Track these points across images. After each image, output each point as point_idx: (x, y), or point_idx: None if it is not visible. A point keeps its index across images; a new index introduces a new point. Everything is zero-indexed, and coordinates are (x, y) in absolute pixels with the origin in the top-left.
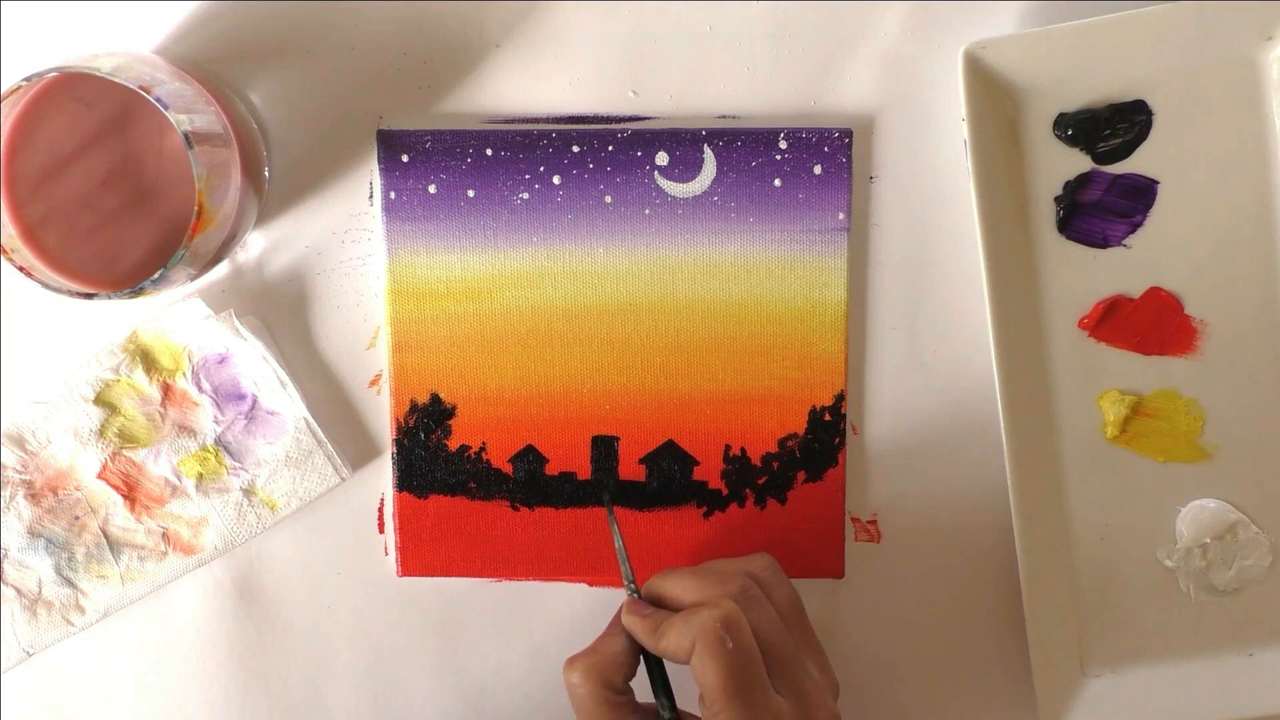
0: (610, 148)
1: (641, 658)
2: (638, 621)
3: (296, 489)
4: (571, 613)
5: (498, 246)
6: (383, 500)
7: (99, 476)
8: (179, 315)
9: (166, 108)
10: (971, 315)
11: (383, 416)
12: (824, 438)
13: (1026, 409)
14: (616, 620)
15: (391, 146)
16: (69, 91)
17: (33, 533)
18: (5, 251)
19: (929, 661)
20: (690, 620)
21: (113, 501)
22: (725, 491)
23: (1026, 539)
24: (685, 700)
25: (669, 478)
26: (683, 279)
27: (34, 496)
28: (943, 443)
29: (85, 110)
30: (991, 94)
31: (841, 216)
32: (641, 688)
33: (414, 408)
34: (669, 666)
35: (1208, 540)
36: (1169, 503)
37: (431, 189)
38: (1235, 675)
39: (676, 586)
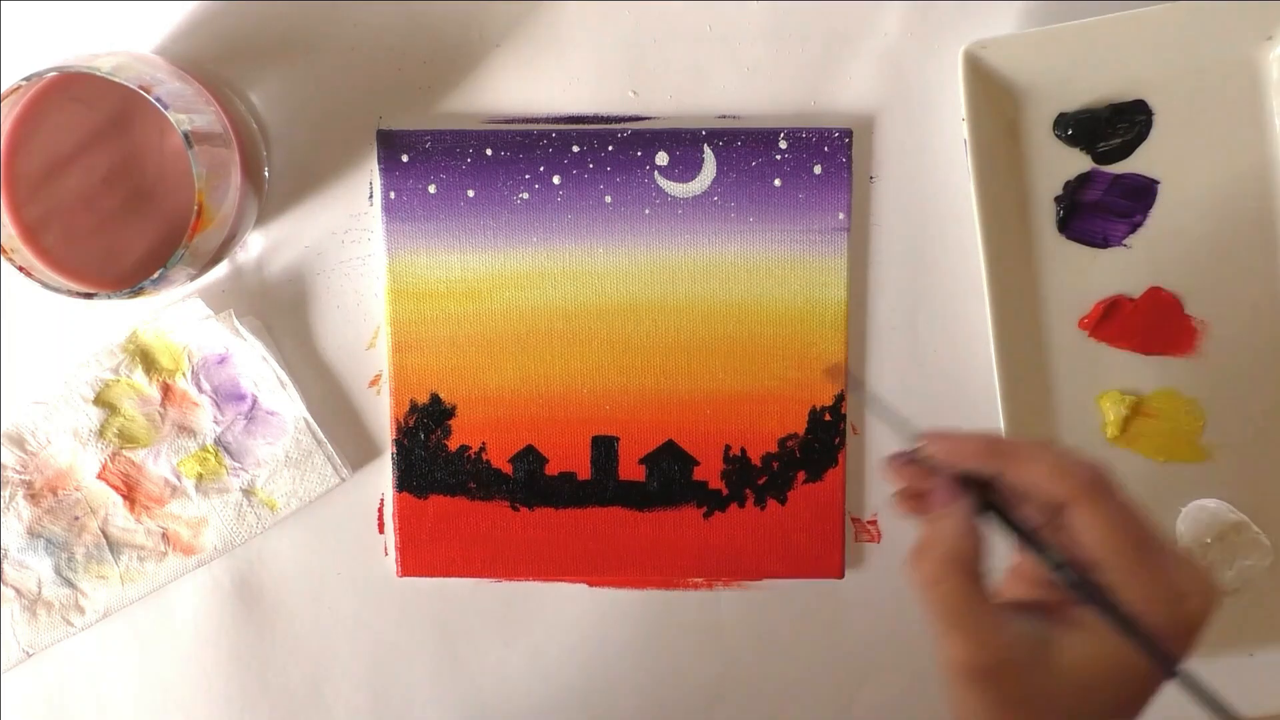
0: (610, 148)
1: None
2: (959, 446)
3: (296, 489)
4: (571, 613)
5: (498, 246)
6: (383, 500)
7: (99, 477)
8: (179, 315)
9: (166, 108)
10: (971, 315)
11: (383, 416)
12: (824, 438)
13: (1026, 409)
14: (937, 499)
15: (391, 146)
16: (69, 91)
17: (32, 533)
18: (5, 251)
19: (929, 661)
20: (1061, 463)
21: (112, 502)
22: (725, 491)
23: None
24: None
25: (669, 478)
26: (683, 279)
27: (34, 497)
28: None
29: (85, 110)
30: (991, 94)
31: (841, 216)
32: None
33: (414, 408)
34: None
35: (1208, 540)
36: (1169, 503)
37: (431, 189)
38: (1235, 675)
39: (1025, 453)
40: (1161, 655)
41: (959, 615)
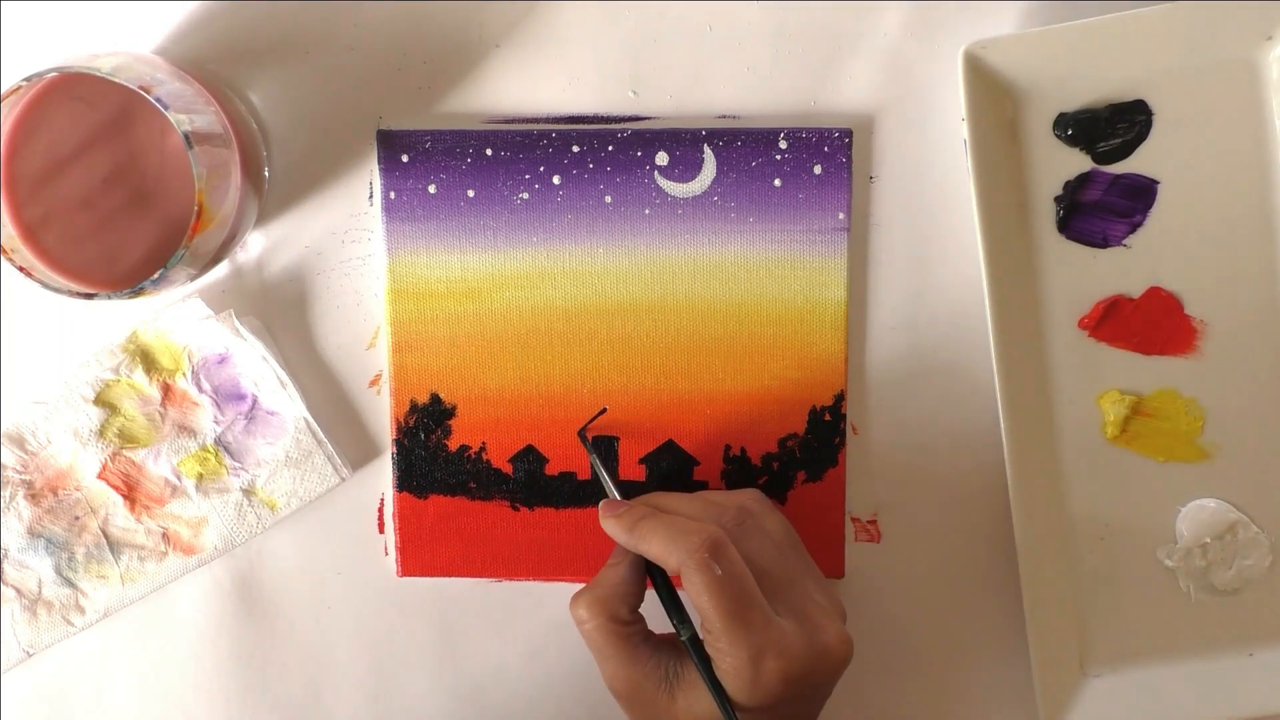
0: (610, 148)
1: (650, 582)
2: (613, 522)
3: (296, 489)
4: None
5: (498, 246)
6: (383, 500)
7: (99, 476)
8: (179, 315)
9: (166, 108)
10: (971, 315)
11: (383, 416)
12: (824, 438)
13: (1026, 409)
14: (617, 550)
15: (391, 146)
16: (69, 91)
17: (33, 533)
18: (5, 251)
19: (929, 661)
20: (675, 542)
21: (113, 501)
22: None
23: (1026, 539)
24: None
25: (669, 478)
26: (683, 279)
27: (34, 496)
28: (943, 443)
29: (85, 110)
30: (991, 94)
31: (841, 216)
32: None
33: (414, 408)
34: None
35: (1208, 540)
36: (1169, 503)
37: (431, 189)
38: (1235, 675)
39: (672, 503)
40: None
41: (599, 650)
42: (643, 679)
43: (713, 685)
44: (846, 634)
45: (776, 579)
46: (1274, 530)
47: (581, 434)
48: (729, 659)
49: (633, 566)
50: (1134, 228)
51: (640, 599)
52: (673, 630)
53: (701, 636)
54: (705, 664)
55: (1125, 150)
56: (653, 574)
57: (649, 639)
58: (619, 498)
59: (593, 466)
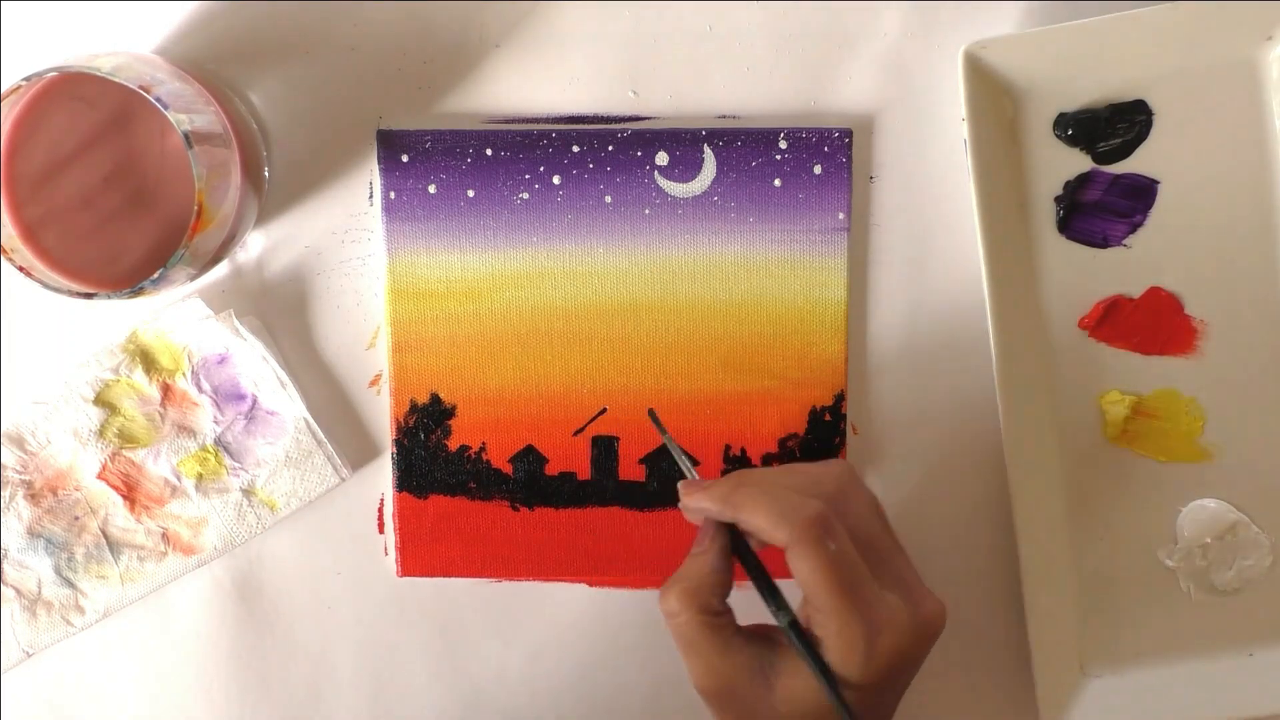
0: (610, 148)
1: (741, 566)
2: (701, 495)
3: (296, 489)
4: (571, 613)
5: (498, 246)
6: (383, 500)
7: (99, 477)
8: (179, 315)
9: (166, 108)
10: (971, 315)
11: (383, 416)
12: (824, 438)
13: (1026, 409)
14: (701, 538)
15: (391, 146)
16: (69, 91)
17: (32, 533)
18: (5, 251)
19: (928, 662)
20: (785, 516)
21: (112, 502)
22: None
23: (1026, 539)
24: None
25: (669, 478)
26: (683, 279)
27: (34, 497)
28: (943, 444)
29: (85, 110)
30: (991, 94)
31: (841, 216)
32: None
33: (414, 408)
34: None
35: (1208, 540)
36: (1169, 503)
37: (431, 189)
38: (1235, 675)
39: (763, 476)
40: (844, 709)
41: (691, 644)
42: (735, 672)
43: (820, 669)
44: (942, 604)
45: (878, 552)
46: (1274, 530)
47: (652, 414)
48: (841, 639)
49: (721, 554)
50: (1134, 228)
51: (730, 588)
52: (751, 622)
53: (802, 618)
54: (809, 648)
55: (1125, 150)
56: (744, 559)
57: (740, 630)
58: (696, 477)
59: (667, 445)
